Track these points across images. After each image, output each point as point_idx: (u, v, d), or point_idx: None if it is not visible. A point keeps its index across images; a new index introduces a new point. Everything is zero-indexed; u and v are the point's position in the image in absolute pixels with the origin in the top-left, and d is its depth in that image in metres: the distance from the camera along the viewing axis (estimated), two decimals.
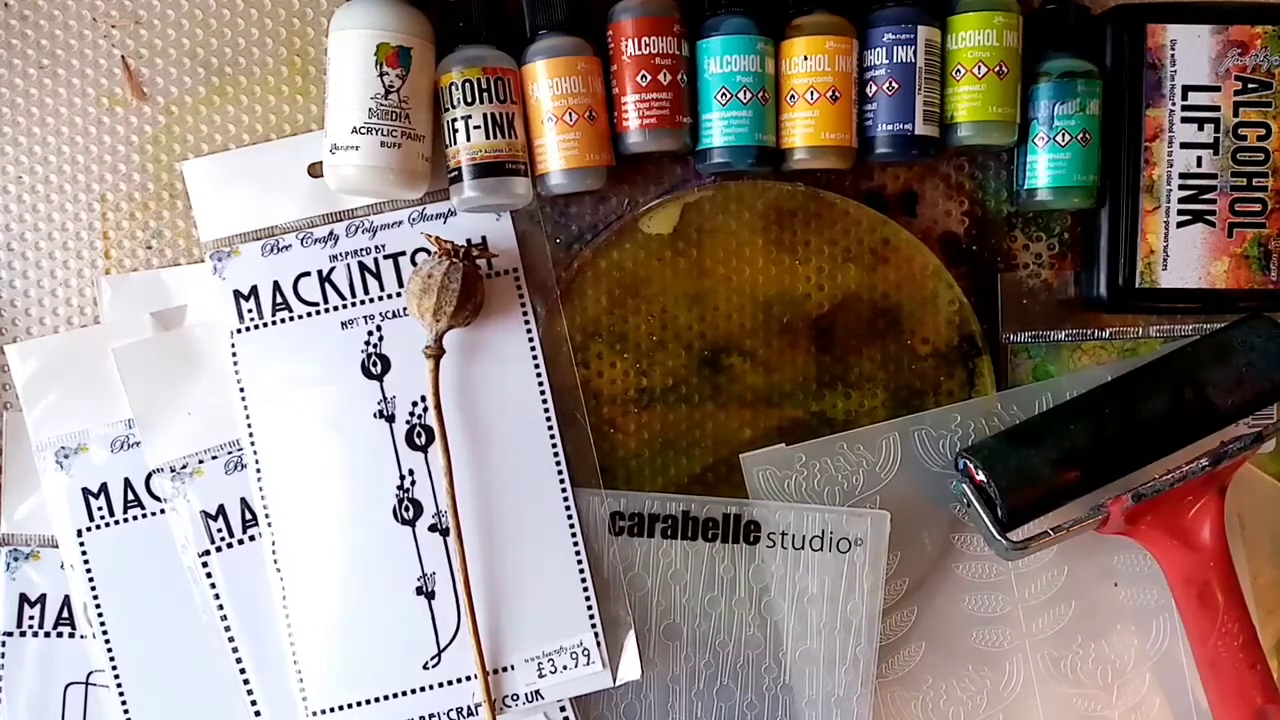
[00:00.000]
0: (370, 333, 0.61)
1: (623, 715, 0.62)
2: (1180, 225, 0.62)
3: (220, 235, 0.62)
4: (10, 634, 0.61)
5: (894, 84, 0.60)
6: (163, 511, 0.61)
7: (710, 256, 0.62)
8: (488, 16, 0.59)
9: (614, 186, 0.63)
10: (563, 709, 0.62)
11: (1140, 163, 0.61)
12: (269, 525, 0.61)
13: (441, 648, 0.61)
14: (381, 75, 0.57)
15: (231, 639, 0.60)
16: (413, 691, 0.60)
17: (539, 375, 0.62)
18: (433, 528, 0.61)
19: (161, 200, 0.63)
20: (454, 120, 0.59)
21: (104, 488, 0.61)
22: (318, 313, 0.61)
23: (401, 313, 0.61)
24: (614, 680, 0.62)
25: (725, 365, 0.62)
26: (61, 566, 0.61)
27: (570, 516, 0.61)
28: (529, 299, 0.62)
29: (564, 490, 0.61)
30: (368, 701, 0.60)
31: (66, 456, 0.61)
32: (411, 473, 0.61)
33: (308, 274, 0.61)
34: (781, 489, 0.62)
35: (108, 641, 0.61)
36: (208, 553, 0.61)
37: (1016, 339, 0.64)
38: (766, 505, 0.62)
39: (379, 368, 0.61)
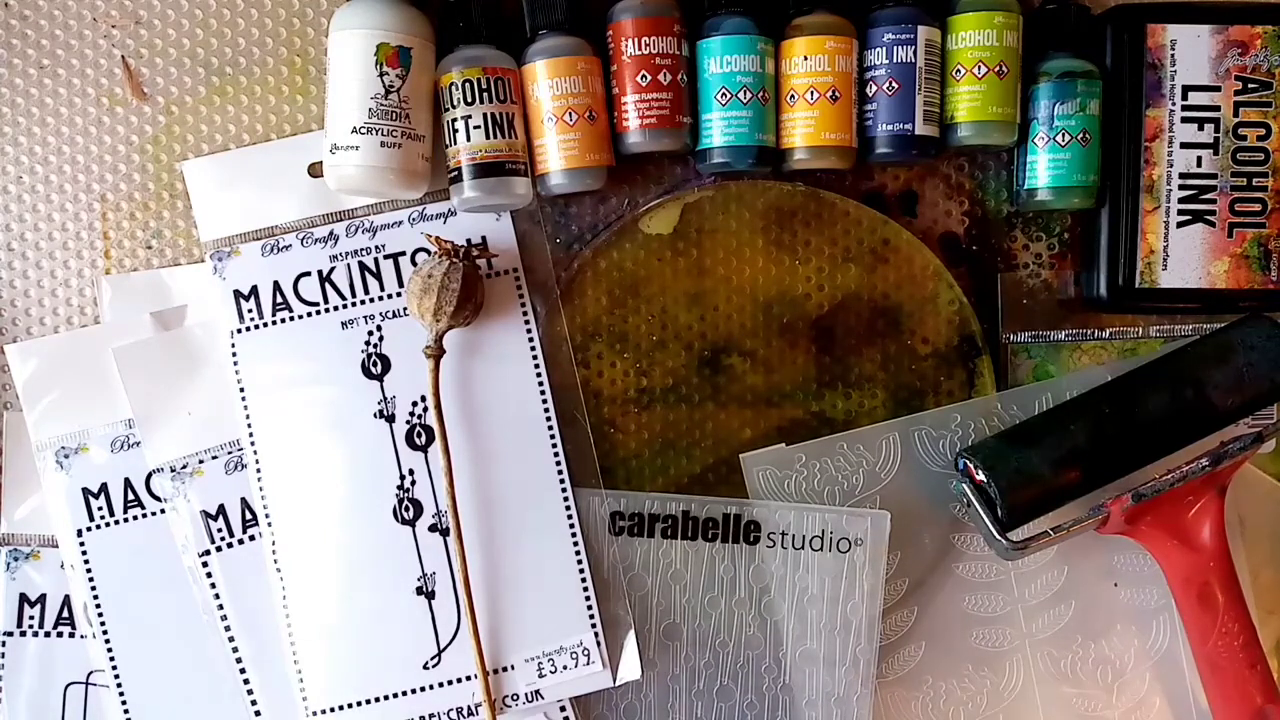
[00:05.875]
0: (370, 333, 0.61)
1: (623, 715, 0.62)
2: (1180, 225, 0.62)
3: (220, 235, 0.62)
4: (10, 634, 0.61)
5: (894, 84, 0.60)
6: (163, 511, 0.61)
7: (710, 256, 0.62)
8: (488, 16, 0.59)
9: (614, 186, 0.63)
10: (563, 709, 0.62)
11: (1140, 163, 0.61)
12: (269, 525, 0.61)
13: (441, 648, 0.61)
14: (381, 75, 0.57)
15: (231, 639, 0.60)
16: (413, 691, 0.60)
17: (539, 375, 0.62)
18: (433, 528, 0.61)
19: (161, 200, 0.63)
20: (454, 120, 0.59)
21: (104, 488, 0.61)
22: (318, 313, 0.61)
23: (401, 313, 0.61)
24: (614, 680, 0.62)
25: (725, 365, 0.62)
26: (61, 566, 0.61)
27: (570, 516, 0.61)
28: (529, 299, 0.62)
29: (564, 490, 0.61)
30: (368, 701, 0.60)
31: (66, 456, 0.61)
32: (411, 473, 0.61)
33: (308, 274, 0.61)
34: (781, 489, 0.62)
35: (108, 641, 0.61)
36: (208, 553, 0.61)
37: (1016, 339, 0.64)
38: (766, 505, 0.62)
39: (379, 368, 0.61)
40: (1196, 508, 0.61)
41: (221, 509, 0.61)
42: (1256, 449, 0.60)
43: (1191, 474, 0.59)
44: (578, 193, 0.62)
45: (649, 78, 0.59)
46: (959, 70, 0.60)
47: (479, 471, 0.61)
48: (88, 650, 0.61)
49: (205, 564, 0.61)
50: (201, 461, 0.61)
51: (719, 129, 0.60)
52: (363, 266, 0.62)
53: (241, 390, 0.61)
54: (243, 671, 0.60)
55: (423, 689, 0.61)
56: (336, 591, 0.61)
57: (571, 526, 0.61)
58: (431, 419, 0.60)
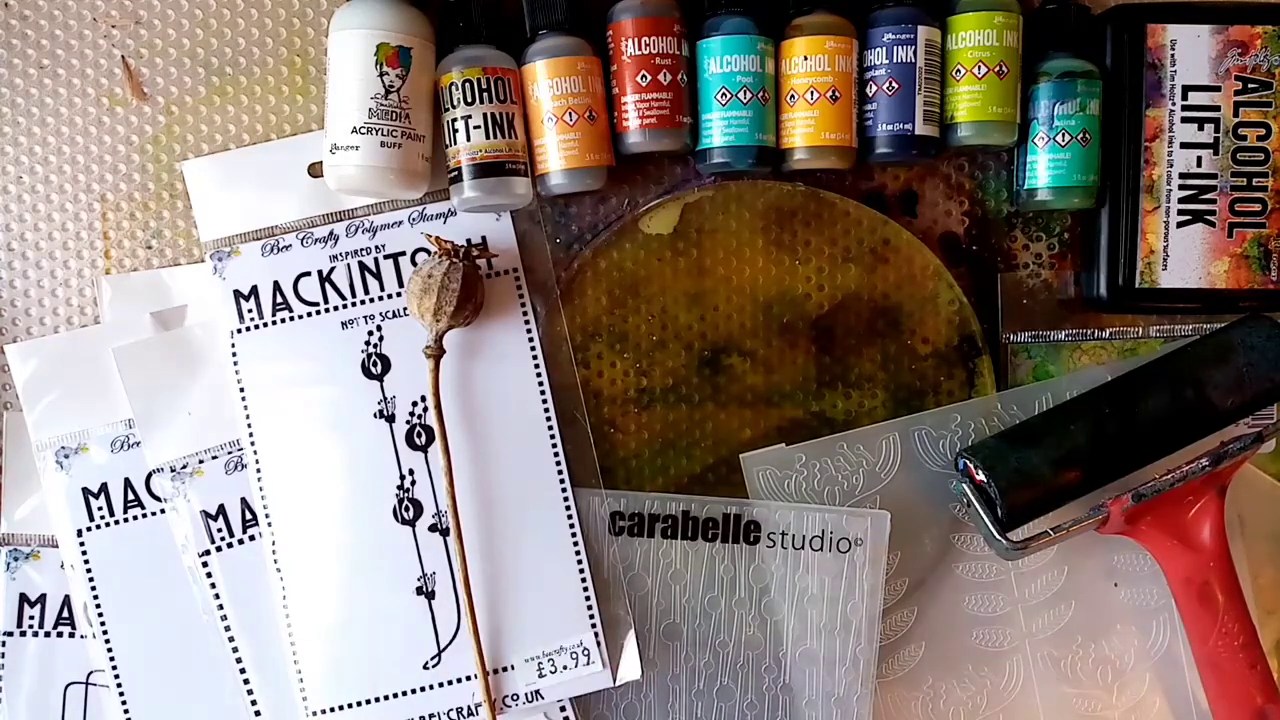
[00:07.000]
0: (370, 333, 0.61)
1: (623, 715, 0.62)
2: (1180, 225, 0.62)
3: (220, 235, 0.62)
4: (10, 634, 0.61)
5: (894, 84, 0.60)
6: (163, 511, 0.61)
7: (710, 256, 0.62)
8: (488, 16, 0.59)
9: (614, 186, 0.63)
10: (563, 709, 0.62)
11: (1140, 163, 0.61)
12: (269, 525, 0.61)
13: (441, 648, 0.61)
14: (381, 75, 0.57)
15: (231, 639, 0.60)
16: (413, 691, 0.60)
17: (539, 375, 0.62)
18: (433, 528, 0.61)
19: (161, 200, 0.63)
20: (454, 120, 0.59)
21: (104, 488, 0.61)
22: (318, 313, 0.61)
23: (401, 313, 0.62)
24: (614, 680, 0.62)
25: (725, 365, 0.62)
26: (61, 566, 0.61)
27: (570, 516, 0.61)
28: (529, 299, 0.62)
29: (564, 490, 0.61)
30: (368, 701, 0.60)
31: (66, 456, 0.61)
32: (411, 473, 0.61)
33: (308, 274, 0.61)
34: (781, 489, 0.62)
35: (108, 641, 0.61)
36: (208, 553, 0.61)
37: (1016, 339, 0.64)
38: (766, 505, 0.62)
39: (379, 368, 0.61)
40: (1196, 508, 0.61)
41: (221, 509, 0.61)
42: (1256, 449, 0.60)
43: (1191, 474, 0.59)
44: (578, 193, 0.62)
45: (649, 78, 0.59)
46: (959, 70, 0.60)
47: (479, 471, 0.61)
48: (88, 650, 0.61)
49: (205, 564, 0.61)
50: (201, 461, 0.61)
51: (719, 129, 0.60)
52: (363, 266, 0.62)
53: (241, 390, 0.61)
54: (243, 671, 0.60)
55: (423, 689, 0.61)
56: (336, 591, 0.61)
57: (571, 526, 0.61)
58: (431, 419, 0.60)
